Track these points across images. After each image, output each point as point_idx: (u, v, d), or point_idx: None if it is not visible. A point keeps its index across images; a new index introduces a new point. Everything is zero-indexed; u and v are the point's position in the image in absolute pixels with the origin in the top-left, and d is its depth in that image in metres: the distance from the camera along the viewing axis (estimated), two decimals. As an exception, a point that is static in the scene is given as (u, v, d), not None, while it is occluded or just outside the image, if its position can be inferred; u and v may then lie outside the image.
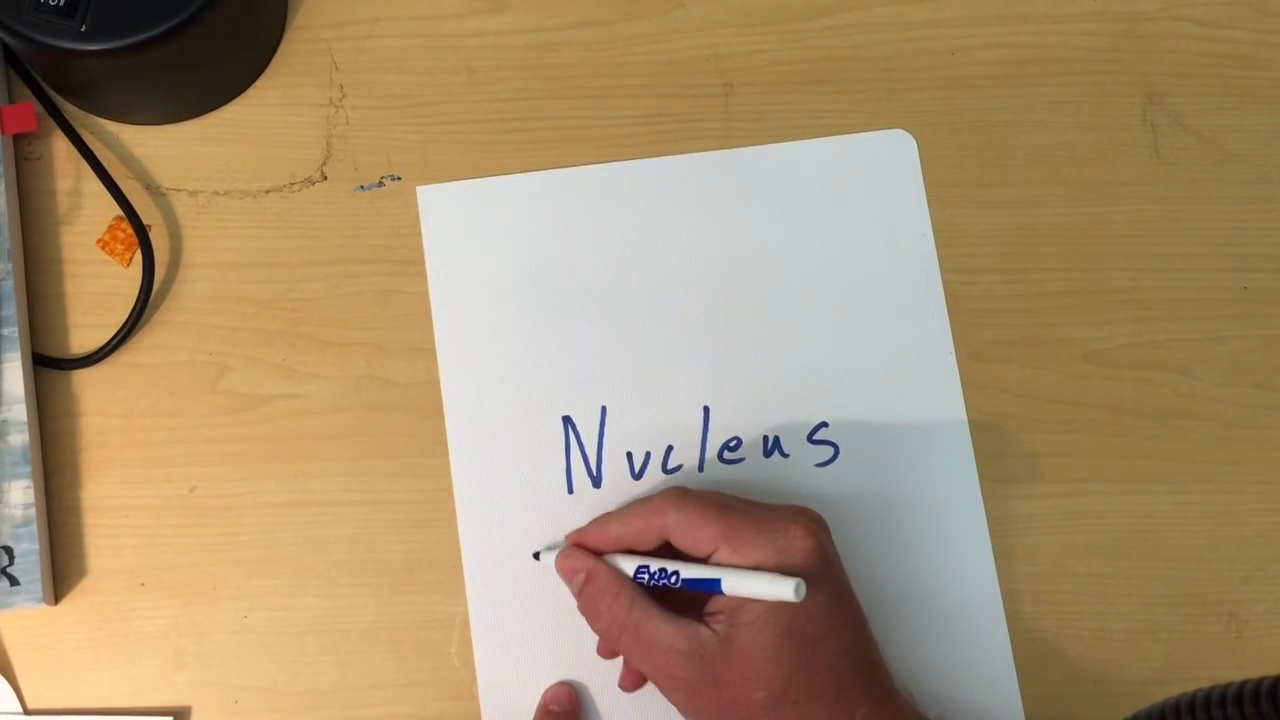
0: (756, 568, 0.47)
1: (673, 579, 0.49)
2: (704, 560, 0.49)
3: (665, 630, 0.48)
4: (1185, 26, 0.61)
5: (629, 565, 0.50)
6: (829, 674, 0.48)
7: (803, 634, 0.48)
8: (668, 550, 0.50)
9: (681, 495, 0.50)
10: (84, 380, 0.56)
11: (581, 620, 0.54)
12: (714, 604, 0.49)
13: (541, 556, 0.54)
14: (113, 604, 0.54)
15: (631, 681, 0.53)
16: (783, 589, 0.46)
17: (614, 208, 0.58)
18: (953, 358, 0.57)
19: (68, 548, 0.55)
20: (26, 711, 0.54)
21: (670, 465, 0.56)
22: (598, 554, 0.51)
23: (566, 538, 0.53)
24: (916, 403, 0.57)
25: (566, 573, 0.52)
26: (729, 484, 0.56)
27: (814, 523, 0.50)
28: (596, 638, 0.53)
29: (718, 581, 0.48)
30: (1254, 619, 0.56)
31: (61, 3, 0.51)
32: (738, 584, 0.47)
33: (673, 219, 0.58)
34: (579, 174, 0.58)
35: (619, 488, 0.56)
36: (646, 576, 0.50)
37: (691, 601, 0.49)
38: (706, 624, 0.48)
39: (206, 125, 0.59)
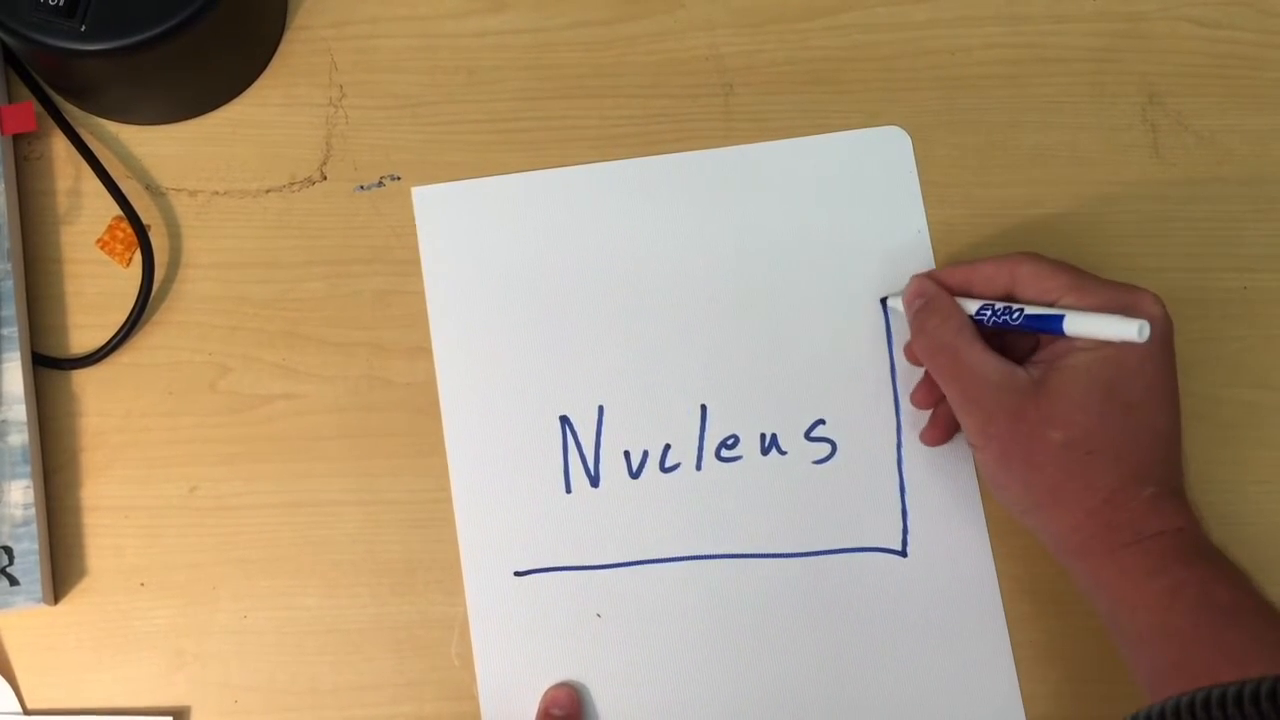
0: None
1: (1015, 316, 0.50)
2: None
3: (982, 359, 0.50)
4: (1185, 26, 0.61)
5: (972, 304, 0.52)
6: (1132, 441, 0.49)
7: (1118, 395, 0.48)
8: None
9: (1035, 253, 0.52)
10: (84, 380, 0.56)
11: (582, 620, 0.54)
12: (1040, 354, 0.51)
13: (889, 301, 0.56)
14: (112, 604, 0.55)
15: (933, 435, 0.55)
16: (1126, 328, 0.47)
17: (610, 206, 0.58)
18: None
19: (68, 548, 0.55)
20: (26, 711, 0.54)
21: (668, 463, 0.56)
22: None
23: (914, 275, 0.55)
24: (916, 402, 0.57)
25: (911, 294, 0.54)
26: (726, 482, 0.56)
27: (1165, 307, 0.50)
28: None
29: (1060, 318, 0.49)
30: (1254, 619, 0.56)
31: (61, 3, 0.51)
32: (1080, 323, 0.48)
33: (667, 217, 0.58)
34: (575, 173, 0.58)
35: (617, 487, 0.56)
36: (989, 314, 0.51)
37: (1017, 360, 0.51)
38: (1026, 368, 0.50)
39: (206, 125, 0.59)
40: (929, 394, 0.55)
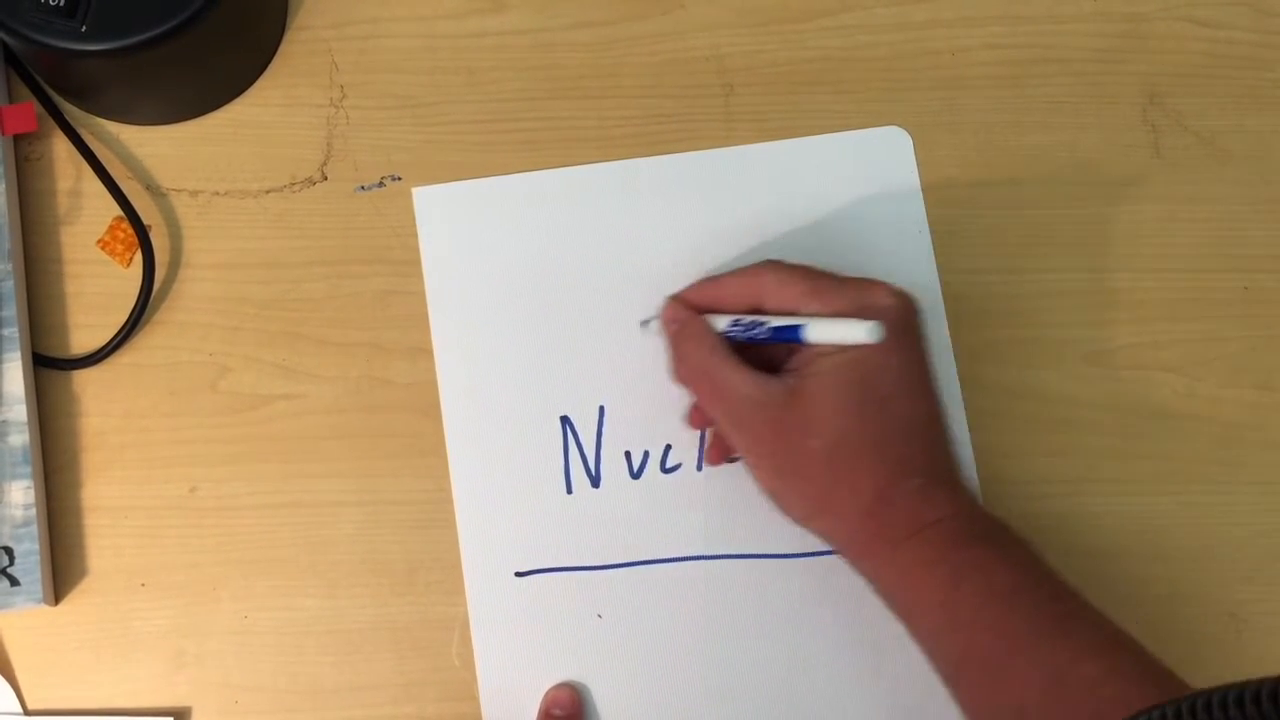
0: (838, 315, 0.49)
1: (760, 330, 0.50)
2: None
3: (738, 378, 0.50)
4: (1185, 27, 0.61)
5: (723, 321, 0.52)
6: (890, 436, 0.49)
7: (870, 391, 0.48)
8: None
9: (776, 261, 0.52)
10: (84, 380, 0.56)
11: (582, 620, 0.54)
12: (792, 361, 0.50)
13: (651, 323, 0.56)
14: (113, 604, 0.54)
15: (713, 455, 0.55)
16: (857, 331, 0.47)
17: (610, 206, 0.58)
18: (951, 357, 0.57)
19: (68, 548, 0.55)
20: (26, 712, 0.54)
21: (669, 464, 0.56)
22: (698, 311, 0.53)
23: (667, 297, 0.55)
24: (916, 403, 0.57)
25: (665, 321, 0.54)
26: (727, 482, 0.56)
27: (902, 293, 0.51)
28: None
29: (800, 328, 0.49)
30: (1254, 619, 0.56)
31: (61, 3, 0.51)
32: (818, 330, 0.49)
33: (668, 217, 0.58)
34: (575, 173, 0.58)
35: (618, 488, 0.56)
36: (739, 329, 0.51)
37: (777, 368, 0.51)
38: (781, 378, 0.50)
39: (207, 125, 0.59)
40: (701, 415, 0.55)
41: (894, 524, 0.48)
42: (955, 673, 0.48)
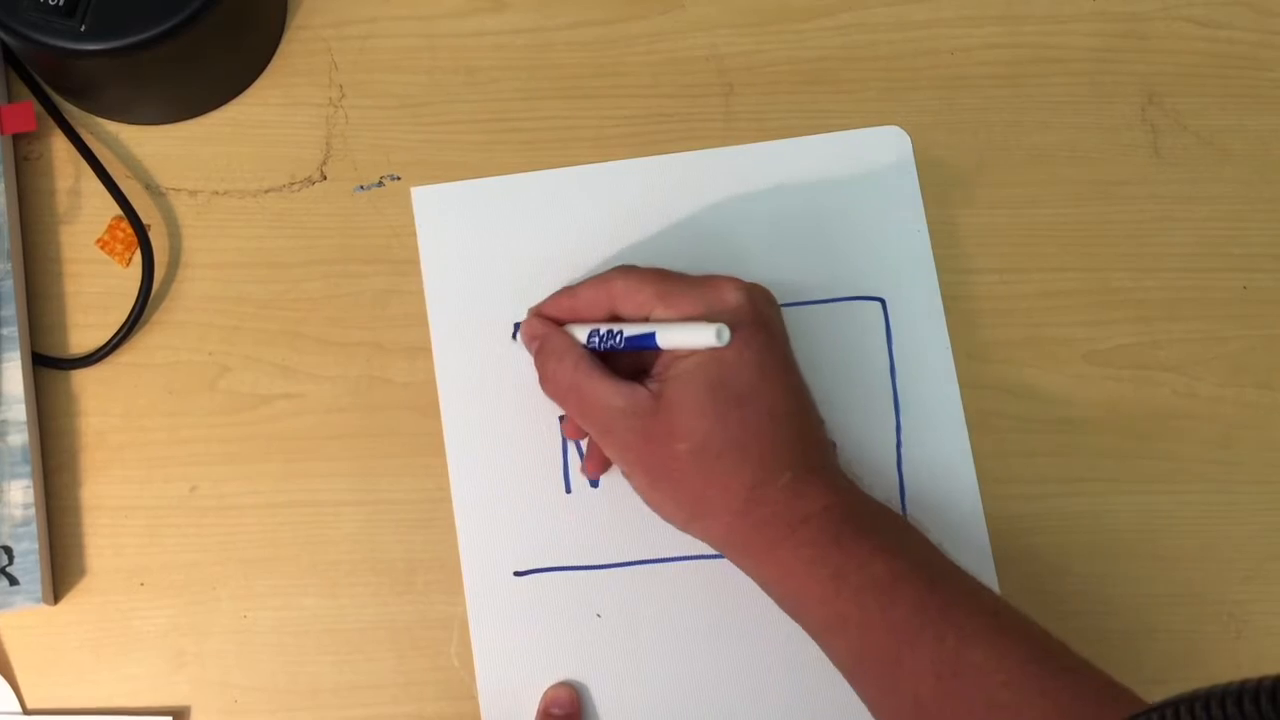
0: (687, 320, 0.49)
1: (617, 339, 0.50)
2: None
3: (604, 389, 0.49)
4: (1185, 26, 0.61)
5: (581, 332, 0.52)
6: (754, 433, 0.48)
7: (729, 390, 0.48)
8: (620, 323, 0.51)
9: (627, 267, 0.52)
10: (84, 380, 0.56)
11: (582, 620, 0.54)
12: (658, 366, 0.50)
13: (517, 336, 0.55)
14: (112, 604, 0.54)
15: (592, 467, 0.55)
16: (704, 334, 0.47)
17: (610, 206, 0.58)
18: (951, 357, 0.57)
19: (67, 547, 0.55)
20: (26, 711, 0.54)
21: (669, 465, 0.56)
22: (558, 324, 0.53)
23: (529, 310, 0.54)
24: (915, 402, 0.57)
25: (526, 339, 0.54)
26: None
27: (750, 287, 0.50)
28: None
29: (653, 335, 0.49)
30: (1253, 619, 0.56)
31: (61, 2, 0.51)
32: (669, 336, 0.48)
33: (667, 217, 0.58)
34: (575, 173, 0.58)
35: (617, 487, 0.55)
36: (597, 340, 0.51)
37: (644, 374, 0.51)
38: (645, 385, 0.50)
39: (206, 125, 0.59)
40: (576, 426, 0.54)
41: (769, 522, 0.48)
42: (851, 669, 0.48)
